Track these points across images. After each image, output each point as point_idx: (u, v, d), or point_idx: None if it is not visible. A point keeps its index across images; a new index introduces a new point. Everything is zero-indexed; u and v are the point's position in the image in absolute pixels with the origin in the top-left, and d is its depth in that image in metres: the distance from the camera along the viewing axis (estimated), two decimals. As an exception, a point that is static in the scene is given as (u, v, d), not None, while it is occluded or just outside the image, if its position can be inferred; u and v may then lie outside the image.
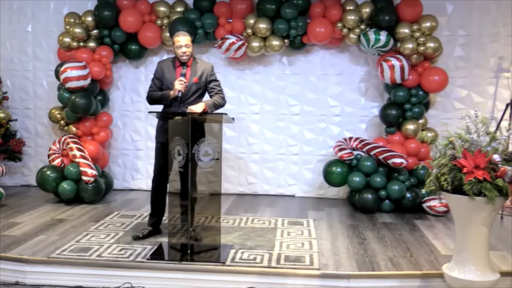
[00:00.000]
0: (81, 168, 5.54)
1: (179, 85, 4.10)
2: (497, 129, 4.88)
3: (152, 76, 4.43)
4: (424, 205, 5.40)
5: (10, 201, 5.69)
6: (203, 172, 3.95)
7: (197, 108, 4.05)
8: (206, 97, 4.38)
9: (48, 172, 5.65)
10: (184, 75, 4.15)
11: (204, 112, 4.07)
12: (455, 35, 5.91)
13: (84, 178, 5.53)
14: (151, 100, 4.34)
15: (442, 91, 5.73)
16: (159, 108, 4.44)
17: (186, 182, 3.94)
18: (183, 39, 4.17)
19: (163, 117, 4.24)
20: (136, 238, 4.33)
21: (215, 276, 3.74)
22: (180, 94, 4.11)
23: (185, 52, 4.17)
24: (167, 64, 4.33)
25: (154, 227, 4.46)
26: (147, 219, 4.60)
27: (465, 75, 5.95)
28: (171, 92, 4.16)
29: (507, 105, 5.21)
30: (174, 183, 4.15)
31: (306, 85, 6.18)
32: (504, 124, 5.15)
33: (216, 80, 4.34)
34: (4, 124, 5.96)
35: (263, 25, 5.71)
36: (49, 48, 6.36)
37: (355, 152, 5.68)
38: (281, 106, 6.24)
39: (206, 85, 4.30)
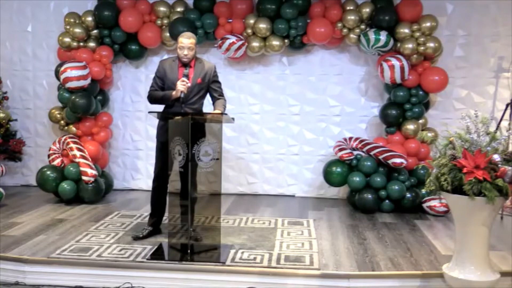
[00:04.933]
0: (81, 168, 5.54)
1: (181, 86, 4.10)
2: (497, 129, 4.88)
3: (152, 75, 4.42)
4: (424, 205, 5.40)
5: (10, 201, 5.69)
6: (203, 172, 3.95)
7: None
8: (207, 97, 4.39)
9: (48, 172, 5.65)
10: (187, 75, 4.14)
11: (204, 112, 4.09)
12: (455, 35, 5.91)
13: (84, 178, 5.53)
14: (152, 99, 4.33)
15: (442, 91, 5.73)
16: (159, 108, 4.43)
17: (186, 182, 3.94)
18: (186, 42, 4.15)
19: (163, 117, 4.24)
20: (136, 238, 4.33)
21: (215, 276, 3.73)
22: (182, 95, 4.11)
23: (186, 55, 4.16)
24: (170, 63, 4.32)
25: (154, 227, 4.45)
26: (147, 219, 4.59)
27: (465, 75, 5.95)
28: (173, 93, 4.15)
29: (507, 105, 5.20)
30: (174, 183, 4.15)
31: (306, 85, 6.18)
32: (504, 124, 5.15)
33: (218, 82, 4.35)
34: (4, 124, 5.96)
35: (263, 25, 5.71)
36: (49, 48, 6.35)
37: (355, 152, 5.68)
38: (281, 106, 6.23)
39: (209, 85, 4.30)
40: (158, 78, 4.32)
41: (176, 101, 4.17)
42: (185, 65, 4.21)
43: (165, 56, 6.18)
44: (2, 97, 6.15)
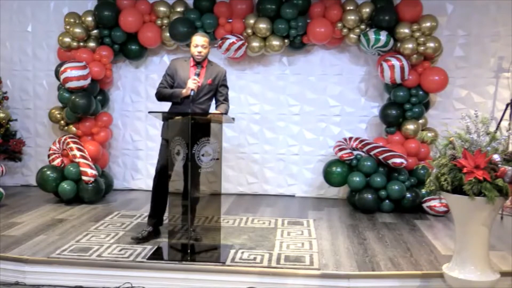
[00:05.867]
0: (81, 168, 5.54)
1: (192, 84, 4.12)
2: (497, 129, 4.88)
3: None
4: (424, 205, 5.40)
5: (10, 201, 5.69)
6: (203, 172, 3.95)
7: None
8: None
9: (48, 172, 5.65)
10: (198, 74, 4.17)
11: (207, 113, 4.12)
12: (455, 35, 5.91)
13: (84, 178, 5.53)
14: (161, 96, 4.34)
15: (442, 91, 5.73)
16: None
17: (186, 182, 3.94)
18: (200, 39, 4.20)
19: (165, 118, 4.24)
20: (136, 240, 4.31)
21: (215, 276, 3.73)
22: (192, 93, 4.13)
23: (200, 52, 4.19)
24: (181, 62, 4.35)
25: (155, 228, 4.43)
26: (147, 219, 4.58)
27: (465, 75, 5.95)
28: (184, 91, 4.17)
29: (507, 105, 5.21)
30: (175, 183, 4.15)
31: (306, 85, 6.18)
32: (504, 124, 5.15)
33: (226, 86, 4.38)
34: (4, 124, 5.96)
35: (263, 25, 5.71)
36: (49, 48, 6.36)
37: (355, 152, 5.68)
38: (281, 106, 6.24)
39: (217, 88, 4.33)
40: (169, 75, 4.34)
41: (185, 99, 4.19)
42: (197, 65, 4.24)
43: (165, 56, 6.21)
44: (2, 97, 6.14)
